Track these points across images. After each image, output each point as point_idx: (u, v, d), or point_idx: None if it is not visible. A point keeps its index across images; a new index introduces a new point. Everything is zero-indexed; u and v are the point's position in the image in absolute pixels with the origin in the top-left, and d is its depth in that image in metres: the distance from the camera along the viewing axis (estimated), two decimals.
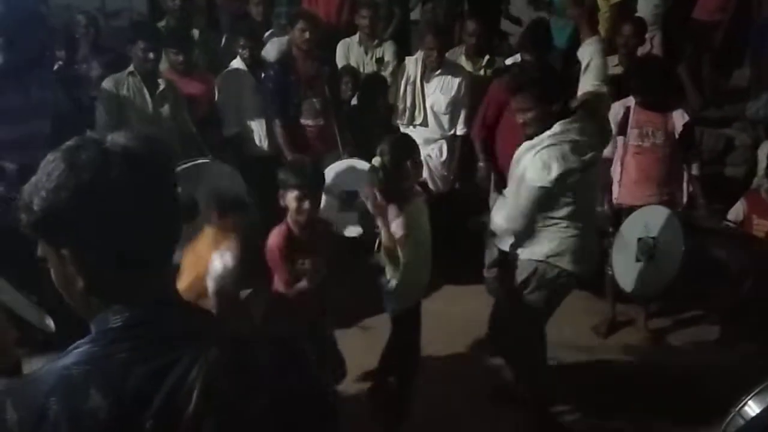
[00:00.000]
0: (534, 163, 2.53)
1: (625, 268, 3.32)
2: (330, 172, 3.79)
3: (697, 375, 3.31)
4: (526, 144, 2.66)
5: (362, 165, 3.78)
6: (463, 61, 4.47)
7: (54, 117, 3.05)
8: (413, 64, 4.16)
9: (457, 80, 4.12)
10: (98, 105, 3.61)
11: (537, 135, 2.59)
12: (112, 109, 3.57)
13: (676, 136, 3.44)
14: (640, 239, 3.25)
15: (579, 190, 2.62)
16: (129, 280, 0.94)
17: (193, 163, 3.37)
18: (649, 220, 3.27)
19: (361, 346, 3.23)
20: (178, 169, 3.11)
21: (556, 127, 2.55)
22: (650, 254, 3.19)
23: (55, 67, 4.04)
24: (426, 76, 4.12)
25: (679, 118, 3.45)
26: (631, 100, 3.52)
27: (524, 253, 2.75)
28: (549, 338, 2.99)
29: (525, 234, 2.71)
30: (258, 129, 4.16)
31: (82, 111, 3.78)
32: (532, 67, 2.97)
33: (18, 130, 2.79)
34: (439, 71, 4.09)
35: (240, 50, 4.20)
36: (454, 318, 3.68)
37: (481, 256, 4.03)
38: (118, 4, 6.15)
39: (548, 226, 2.65)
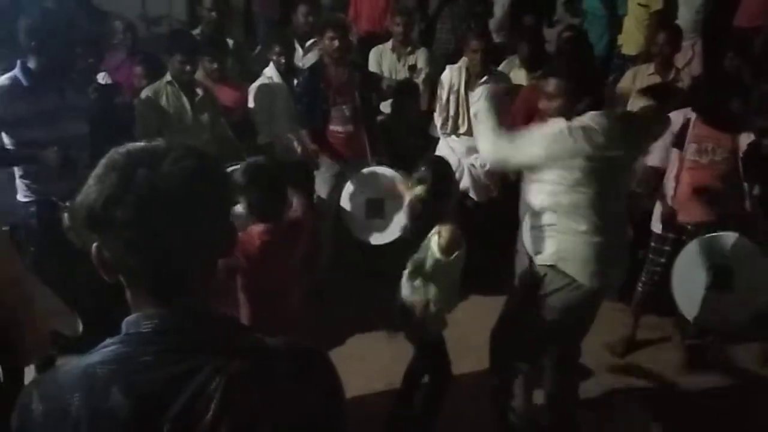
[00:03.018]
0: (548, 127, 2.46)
1: (689, 294, 3.06)
2: (357, 179, 3.82)
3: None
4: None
5: (388, 172, 3.79)
6: (518, 71, 4.36)
7: (91, 120, 3.06)
8: (457, 73, 4.02)
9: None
10: (138, 114, 3.60)
11: None
12: (151, 117, 3.55)
13: (740, 154, 3.17)
14: (712, 265, 3.01)
15: (590, 186, 2.41)
16: (165, 286, 0.95)
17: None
18: (722, 246, 3.03)
19: (387, 354, 3.16)
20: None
21: (584, 119, 2.42)
22: (722, 282, 2.99)
23: (98, 75, 4.17)
24: (470, 84, 3.99)
25: (744, 138, 3.18)
26: (691, 112, 3.24)
27: (537, 258, 2.56)
28: None
29: (540, 236, 2.55)
30: (290, 136, 4.18)
31: (119, 116, 3.90)
32: (572, 57, 2.83)
33: (56, 131, 2.81)
34: (484, 78, 3.94)
35: (274, 57, 4.18)
36: (480, 330, 3.61)
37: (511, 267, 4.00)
38: (159, 10, 6.31)
39: (553, 224, 2.48)
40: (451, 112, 4.07)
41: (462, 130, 4.08)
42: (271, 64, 4.23)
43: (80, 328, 2.55)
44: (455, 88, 4.03)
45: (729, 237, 3.06)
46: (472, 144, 3.96)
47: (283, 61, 4.17)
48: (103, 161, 0.95)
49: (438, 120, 4.14)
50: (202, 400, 0.89)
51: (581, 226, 2.45)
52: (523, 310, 2.62)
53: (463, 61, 4.06)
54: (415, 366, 2.84)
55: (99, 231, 0.93)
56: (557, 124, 2.43)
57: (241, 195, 2.31)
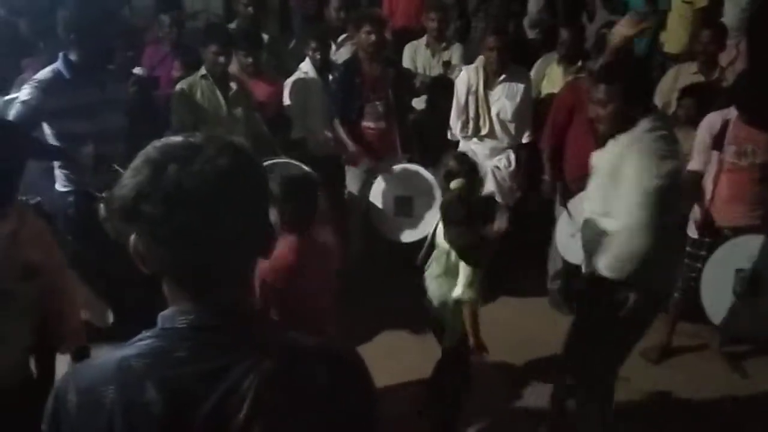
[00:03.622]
0: (641, 160, 2.27)
1: (717, 299, 3.01)
2: (387, 176, 3.80)
3: None
4: (610, 147, 2.41)
5: (418, 170, 3.79)
6: (555, 68, 4.30)
7: (129, 113, 3.10)
8: (474, 73, 3.91)
9: (522, 86, 3.89)
10: (173, 108, 3.63)
11: (608, 135, 2.39)
12: (186, 111, 3.58)
13: None
14: (739, 270, 2.95)
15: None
16: (201, 282, 0.94)
17: (273, 162, 3.37)
18: (751, 250, 2.96)
19: (417, 352, 3.18)
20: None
21: (646, 123, 2.32)
22: (752, 288, 2.91)
23: (137, 69, 4.25)
24: (489, 83, 3.89)
25: None
26: (731, 113, 3.14)
27: (598, 266, 2.43)
28: None
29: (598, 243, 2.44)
30: (324, 131, 4.17)
31: (158, 109, 3.96)
32: (624, 60, 2.75)
33: (94, 124, 2.85)
34: (503, 77, 3.86)
35: (310, 53, 4.18)
36: (510, 330, 3.52)
37: (543, 267, 3.95)
38: (197, 5, 6.39)
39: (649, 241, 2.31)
40: (471, 114, 3.94)
41: (484, 131, 3.94)
42: (307, 59, 4.25)
43: (110, 319, 2.59)
44: (473, 88, 3.91)
45: (757, 240, 2.99)
46: (495, 145, 3.96)
47: (318, 56, 4.18)
48: (140, 154, 0.94)
49: (456, 123, 4.00)
50: (235, 398, 0.89)
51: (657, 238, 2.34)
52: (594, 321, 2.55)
53: (479, 61, 3.95)
54: (440, 366, 2.83)
55: (132, 224, 0.93)
56: (664, 151, 2.31)
57: (275, 205, 2.30)
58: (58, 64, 2.88)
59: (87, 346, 2.61)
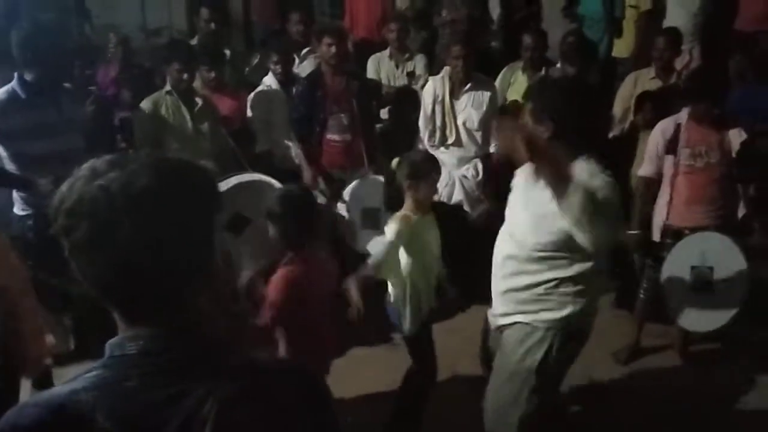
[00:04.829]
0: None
1: (677, 298, 3.10)
2: (353, 188, 3.80)
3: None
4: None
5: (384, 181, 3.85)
6: (520, 76, 4.37)
7: (87, 133, 3.08)
8: (440, 82, 3.97)
9: (488, 94, 3.95)
10: (136, 124, 3.61)
11: None
12: (151, 128, 3.57)
13: (733, 154, 3.18)
14: (694, 268, 3.02)
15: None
16: (141, 310, 0.91)
17: (244, 180, 3.39)
18: (705, 248, 3.05)
19: (384, 365, 3.16)
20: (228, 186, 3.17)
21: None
22: (707, 285, 2.99)
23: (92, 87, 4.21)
24: (455, 92, 3.95)
25: (736, 137, 3.18)
26: (682, 117, 3.23)
27: (535, 320, 2.18)
28: None
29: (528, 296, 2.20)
30: (288, 144, 4.18)
31: (114, 129, 3.93)
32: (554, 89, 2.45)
33: (53, 145, 2.82)
34: (468, 86, 3.93)
35: (272, 66, 4.23)
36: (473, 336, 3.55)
37: None
38: (159, 22, 6.37)
39: (570, 281, 2.14)
40: (438, 123, 4.01)
41: (450, 140, 4.02)
42: (270, 72, 4.26)
43: (71, 343, 2.55)
44: (440, 98, 3.99)
45: (710, 237, 3.10)
46: (462, 155, 4.00)
47: (280, 69, 4.19)
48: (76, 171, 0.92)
49: (424, 133, 4.07)
50: (195, 424, 0.86)
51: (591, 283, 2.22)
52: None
53: (445, 71, 4.03)
54: (410, 371, 2.83)
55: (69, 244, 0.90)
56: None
57: (275, 223, 2.33)
58: (12, 84, 2.86)
59: (49, 370, 2.58)
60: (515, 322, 2.22)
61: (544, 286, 2.15)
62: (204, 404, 0.87)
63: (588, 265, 2.13)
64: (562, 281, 2.14)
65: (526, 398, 2.17)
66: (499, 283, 2.27)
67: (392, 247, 2.55)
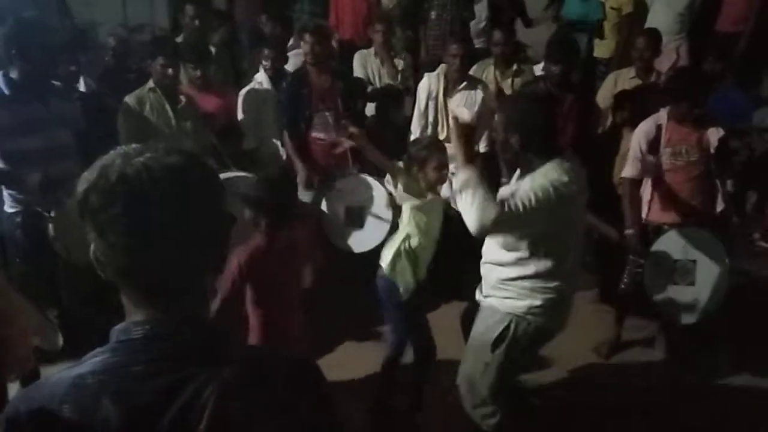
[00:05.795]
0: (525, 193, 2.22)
1: (661, 291, 3.21)
2: (338, 187, 3.83)
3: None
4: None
5: (368, 180, 3.80)
6: (492, 72, 4.44)
7: (76, 129, 3.09)
8: (435, 79, 4.06)
9: (480, 95, 4.03)
10: (120, 121, 3.61)
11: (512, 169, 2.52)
12: (134, 124, 3.57)
13: (712, 151, 3.28)
14: (677, 261, 3.14)
15: (565, 234, 2.35)
16: (156, 289, 0.95)
17: (227, 177, 3.35)
18: (686, 242, 3.17)
19: (373, 361, 3.23)
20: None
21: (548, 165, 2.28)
22: (689, 278, 3.11)
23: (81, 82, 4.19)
24: (449, 90, 4.03)
25: (714, 134, 3.28)
26: (662, 117, 3.33)
27: (500, 305, 2.45)
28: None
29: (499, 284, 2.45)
30: (276, 142, 4.22)
31: (105, 125, 3.91)
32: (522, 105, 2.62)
33: (41, 140, 2.84)
34: (463, 84, 4.01)
35: (263, 62, 4.28)
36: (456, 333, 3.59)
37: None
38: (141, 18, 6.33)
39: (527, 278, 2.37)
40: (431, 119, 4.11)
41: (442, 136, 4.07)
42: (261, 69, 4.28)
43: (60, 342, 2.56)
44: (434, 95, 4.08)
45: (692, 232, 3.22)
46: (453, 151, 4.05)
47: (269, 65, 4.24)
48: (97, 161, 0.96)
49: (417, 128, 4.17)
50: (194, 409, 0.89)
51: (557, 282, 2.41)
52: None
53: (441, 69, 4.12)
54: (391, 350, 2.96)
55: (88, 225, 0.94)
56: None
57: (254, 207, 2.39)
58: None
59: (37, 372, 2.58)
60: (486, 304, 2.51)
61: (507, 278, 2.42)
62: (203, 391, 0.89)
63: (547, 265, 2.35)
64: (522, 277, 2.39)
65: (489, 370, 2.46)
66: (482, 267, 2.57)
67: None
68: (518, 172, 2.45)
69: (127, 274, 0.95)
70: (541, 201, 2.17)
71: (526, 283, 2.39)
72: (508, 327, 2.41)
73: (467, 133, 2.35)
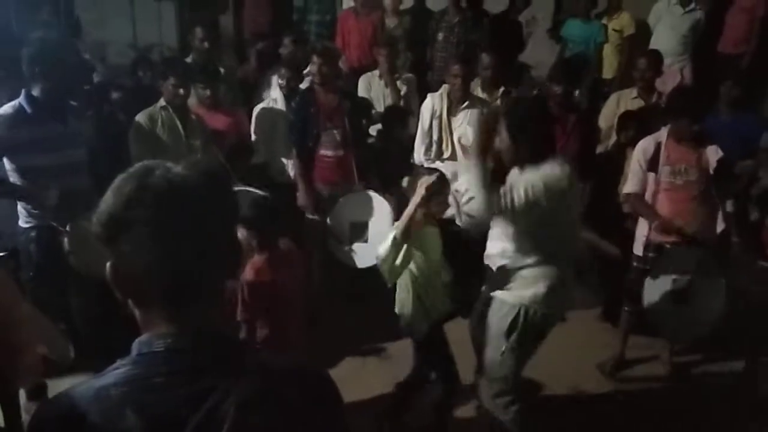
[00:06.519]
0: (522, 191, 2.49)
1: (658, 309, 3.26)
2: (343, 203, 3.91)
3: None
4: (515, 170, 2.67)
5: (373, 196, 3.88)
6: (479, 93, 4.50)
7: (90, 147, 3.17)
8: (438, 99, 4.16)
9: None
10: (132, 139, 3.69)
11: (510, 166, 2.67)
12: (145, 142, 3.66)
13: (711, 172, 3.32)
14: (674, 280, 3.19)
15: (562, 225, 2.60)
16: (171, 305, 0.97)
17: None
18: (683, 261, 3.23)
19: (377, 376, 3.29)
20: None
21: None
22: (685, 296, 3.16)
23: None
24: (452, 110, 4.13)
25: (713, 154, 3.33)
26: (662, 136, 3.39)
27: (507, 296, 2.66)
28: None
29: (507, 274, 2.65)
30: (284, 160, 4.32)
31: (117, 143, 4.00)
32: (515, 104, 2.95)
33: (58, 158, 2.92)
34: (465, 103, 4.10)
35: (279, 80, 4.41)
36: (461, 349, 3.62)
37: None
38: (149, 39, 6.46)
39: (530, 266, 2.60)
40: (435, 138, 4.20)
41: (446, 155, 4.19)
42: (277, 86, 4.38)
43: (71, 354, 2.60)
44: (437, 114, 4.17)
45: (690, 251, 3.27)
46: (456, 169, 4.08)
47: (284, 83, 4.36)
48: (120, 177, 0.98)
49: (420, 147, 4.24)
50: (215, 420, 0.91)
51: (557, 269, 2.63)
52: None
53: (444, 88, 4.21)
54: (412, 375, 2.98)
55: (116, 239, 0.96)
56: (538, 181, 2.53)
57: (247, 226, 2.47)
58: (20, 99, 2.95)
59: (44, 382, 2.62)
60: (496, 298, 2.72)
61: (512, 268, 2.64)
62: (223, 403, 0.92)
63: (546, 253, 2.59)
64: (525, 266, 2.62)
65: (505, 359, 2.67)
66: (486, 260, 2.79)
67: (395, 244, 2.70)
68: (516, 170, 2.66)
69: (152, 285, 0.97)
70: (537, 193, 2.47)
71: (529, 272, 2.60)
72: (517, 316, 2.62)
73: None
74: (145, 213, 0.93)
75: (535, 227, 2.55)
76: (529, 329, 2.63)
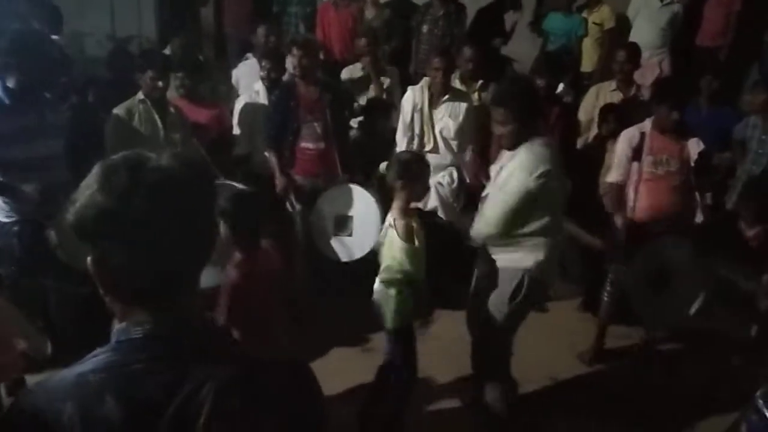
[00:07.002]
0: (517, 166, 2.71)
1: (640, 298, 3.33)
2: (326, 196, 3.89)
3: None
4: (507, 153, 2.83)
5: (357, 189, 3.86)
6: (458, 86, 4.51)
7: (67, 139, 3.13)
8: (419, 92, 4.16)
9: (464, 105, 4.13)
10: (108, 132, 3.65)
11: (512, 148, 2.77)
12: (123, 135, 3.60)
13: (691, 164, 3.40)
14: (654, 270, 3.25)
15: (555, 200, 2.79)
16: (153, 295, 0.98)
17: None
18: (663, 250, 3.28)
19: (361, 368, 3.27)
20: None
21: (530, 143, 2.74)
22: (666, 285, 3.22)
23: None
24: (433, 102, 4.14)
25: (694, 146, 3.40)
26: (646, 126, 3.45)
27: (510, 262, 2.85)
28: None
29: (507, 243, 2.83)
30: (266, 154, 4.33)
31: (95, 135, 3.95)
32: (512, 85, 3.01)
33: (34, 150, 2.89)
34: (446, 96, 4.11)
35: (261, 72, 4.38)
36: (447, 343, 3.53)
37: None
38: (128, 30, 6.39)
39: (530, 235, 2.78)
40: (416, 131, 4.20)
41: (428, 148, 4.20)
42: (259, 79, 4.35)
43: (48, 349, 2.58)
44: (419, 106, 4.17)
45: (669, 240, 3.32)
46: (438, 162, 4.14)
47: (265, 75, 4.33)
48: (97, 171, 0.96)
49: (402, 141, 4.24)
50: (193, 405, 0.92)
51: (552, 240, 2.84)
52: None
53: (424, 81, 4.22)
54: (386, 363, 2.97)
55: (103, 234, 0.95)
56: (533, 162, 2.71)
57: (226, 221, 2.43)
58: None
59: (22, 377, 2.60)
60: (500, 267, 2.92)
61: (517, 234, 2.81)
62: (202, 388, 0.93)
63: (543, 223, 2.77)
64: (528, 234, 2.80)
65: (508, 320, 2.93)
66: None
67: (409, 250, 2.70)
68: (506, 153, 2.84)
69: (132, 278, 0.97)
70: (528, 188, 2.68)
71: (530, 240, 2.80)
72: (521, 281, 2.83)
73: None
74: (139, 207, 0.93)
75: (531, 202, 2.71)
76: (528, 295, 2.84)
